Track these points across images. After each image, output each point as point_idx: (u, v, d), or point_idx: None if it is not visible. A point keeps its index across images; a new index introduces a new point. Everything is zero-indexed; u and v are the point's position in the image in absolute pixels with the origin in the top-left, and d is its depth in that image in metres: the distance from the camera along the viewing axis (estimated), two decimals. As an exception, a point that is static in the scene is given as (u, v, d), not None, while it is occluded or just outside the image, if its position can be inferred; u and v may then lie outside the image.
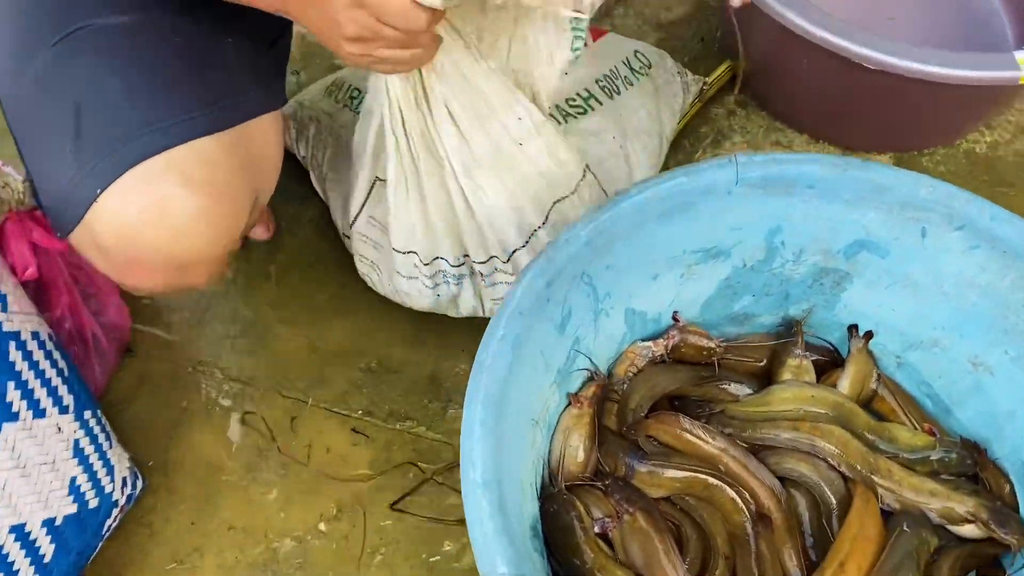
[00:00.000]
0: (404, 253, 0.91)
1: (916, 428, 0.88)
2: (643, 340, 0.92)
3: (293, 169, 1.13)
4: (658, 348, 0.91)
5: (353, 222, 0.96)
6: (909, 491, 0.84)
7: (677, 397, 0.92)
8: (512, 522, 0.67)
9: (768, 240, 0.85)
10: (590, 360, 0.87)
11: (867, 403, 0.91)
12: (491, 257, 0.91)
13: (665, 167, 1.12)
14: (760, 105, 1.16)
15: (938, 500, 0.83)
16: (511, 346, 0.71)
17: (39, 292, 0.86)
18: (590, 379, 0.88)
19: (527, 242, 0.90)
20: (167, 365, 1.01)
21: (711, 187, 0.80)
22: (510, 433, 0.72)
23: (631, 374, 0.91)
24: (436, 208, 0.86)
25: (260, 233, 1.10)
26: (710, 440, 0.85)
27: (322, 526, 0.91)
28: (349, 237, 0.98)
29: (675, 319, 0.92)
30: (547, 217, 0.90)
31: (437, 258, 0.92)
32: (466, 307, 0.98)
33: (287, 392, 0.99)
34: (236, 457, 0.95)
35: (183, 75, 0.70)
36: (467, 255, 0.92)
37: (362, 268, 0.99)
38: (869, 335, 0.90)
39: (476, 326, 1.01)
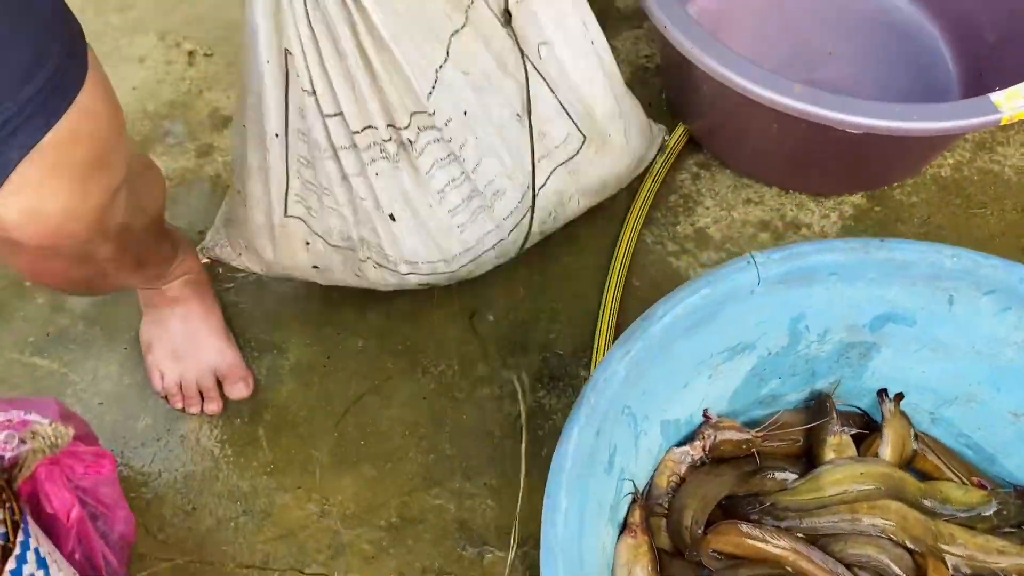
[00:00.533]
0: (332, 116, 0.81)
1: (965, 483, 0.87)
2: (678, 445, 0.88)
3: (265, 318, 1.06)
4: (696, 452, 0.88)
5: (286, 192, 0.88)
6: (977, 552, 0.82)
7: (725, 497, 0.88)
8: None
9: (792, 327, 0.83)
10: (632, 484, 0.83)
11: (908, 463, 0.89)
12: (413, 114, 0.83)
13: (642, 242, 1.09)
14: (724, 163, 1.15)
15: (1008, 558, 0.82)
16: (576, 517, 0.66)
17: (48, 529, 0.77)
18: (633, 501, 0.84)
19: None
20: (168, 565, 0.92)
21: (734, 292, 0.76)
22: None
23: (674, 484, 0.87)
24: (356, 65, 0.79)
25: (240, 391, 1.02)
26: (773, 541, 0.82)
27: None
28: (284, 226, 0.91)
29: (706, 416, 0.88)
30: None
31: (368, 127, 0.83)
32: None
33: (308, 569, 0.92)
34: (271, 657, 0.87)
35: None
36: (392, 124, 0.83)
37: (308, 259, 0.93)
38: (900, 396, 0.89)
39: (495, 453, 0.96)
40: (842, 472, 0.85)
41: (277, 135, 0.82)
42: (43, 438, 0.66)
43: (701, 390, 0.85)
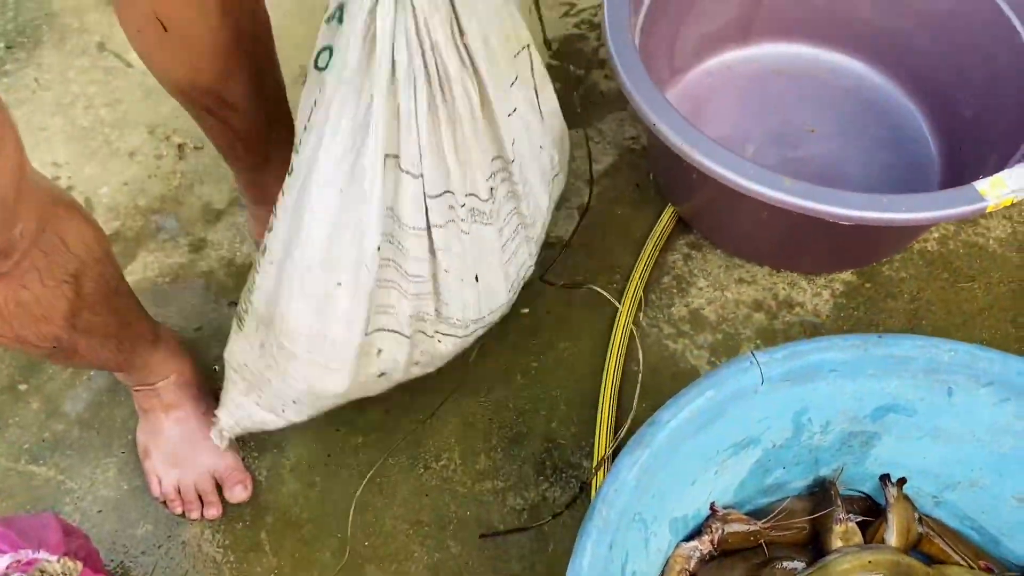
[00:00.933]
0: (436, 196, 0.78)
1: (972, 566, 0.88)
2: (686, 540, 0.88)
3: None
4: (705, 546, 0.87)
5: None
6: (989, 639, 0.82)
7: (734, 590, 0.88)
8: None
9: (795, 421, 0.83)
10: (645, 585, 0.82)
11: (915, 546, 0.90)
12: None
13: (637, 326, 1.10)
14: (714, 244, 1.16)
15: (1019, 642, 0.82)
16: (595, 636, 0.66)
17: None
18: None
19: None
20: None
21: (738, 392, 0.77)
22: None
23: (684, 581, 0.87)
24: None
25: (239, 494, 1.01)
26: (786, 636, 0.81)
27: None
28: (363, 346, 0.83)
29: (713, 510, 0.88)
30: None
31: (471, 194, 0.81)
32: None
33: None
34: None
35: None
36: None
37: (377, 368, 0.87)
38: (902, 481, 0.89)
39: (498, 552, 0.95)
40: (850, 561, 0.85)
41: (379, 247, 0.77)
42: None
43: (708, 485, 0.86)
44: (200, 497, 1.01)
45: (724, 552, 0.88)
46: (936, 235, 1.16)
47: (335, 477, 1.03)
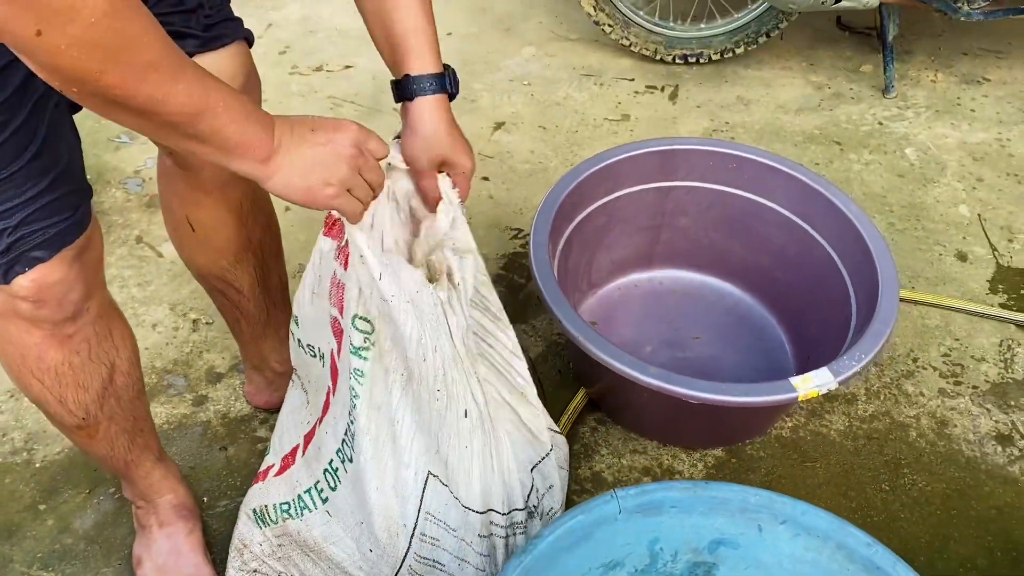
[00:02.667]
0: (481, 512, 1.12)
1: None
2: (568, 646, 1.11)
3: (238, 541, 1.28)
4: (581, 652, 1.10)
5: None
6: None
7: None
8: None
9: (650, 548, 1.09)
10: (529, 677, 1.05)
11: (752, 665, 1.13)
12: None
13: (552, 486, 1.36)
14: (616, 421, 1.46)
15: None
16: None
17: None
18: None
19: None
20: None
21: (602, 518, 1.04)
22: None
23: None
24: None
25: None
26: None
27: None
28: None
29: (590, 624, 1.12)
30: None
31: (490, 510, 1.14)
32: None
33: None
34: None
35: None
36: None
37: None
38: (740, 608, 1.14)
39: None
40: (695, 669, 1.08)
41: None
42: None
43: (584, 599, 1.10)
44: None
45: (598, 659, 1.11)
46: (790, 424, 1.46)
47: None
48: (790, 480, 1.38)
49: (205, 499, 1.36)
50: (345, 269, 1.00)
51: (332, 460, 1.11)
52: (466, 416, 1.07)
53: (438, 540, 1.12)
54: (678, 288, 1.67)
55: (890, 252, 1.36)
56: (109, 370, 1.03)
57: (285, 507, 1.18)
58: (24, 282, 0.88)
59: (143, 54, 0.66)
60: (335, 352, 1.07)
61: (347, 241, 0.98)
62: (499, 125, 2.12)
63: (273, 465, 1.19)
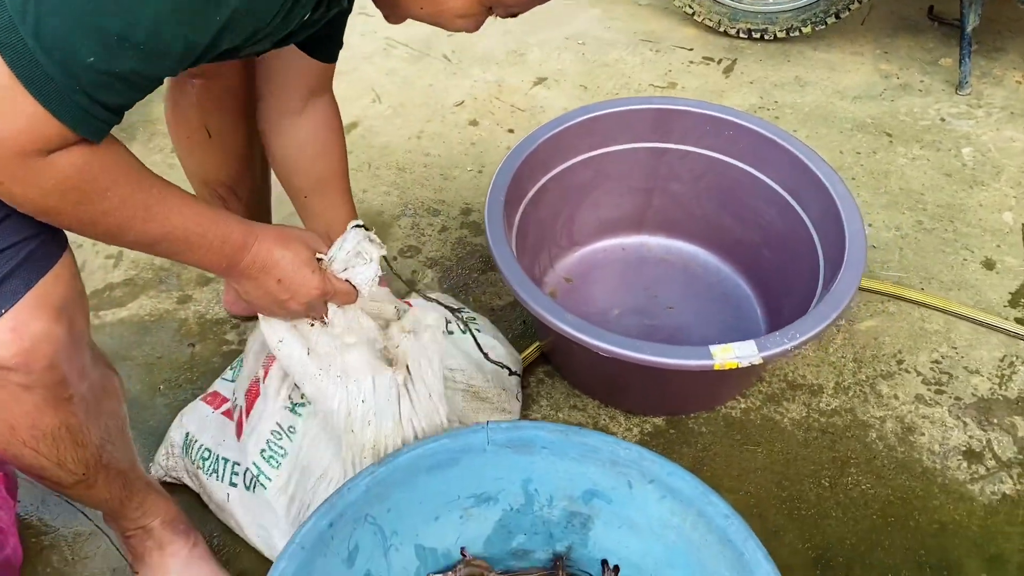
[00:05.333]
0: None
1: (653, 648, 1.07)
2: (435, 572, 1.12)
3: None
4: (447, 579, 1.11)
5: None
6: None
7: (463, 622, 1.10)
8: None
9: (524, 488, 1.08)
10: (384, 591, 1.06)
11: (621, 627, 1.10)
12: None
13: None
14: (563, 377, 1.44)
15: None
16: None
17: None
18: (384, 608, 1.07)
19: None
20: (39, 596, 1.18)
21: (468, 447, 1.04)
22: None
23: (425, 603, 1.10)
24: None
25: None
26: (479, 659, 1.03)
27: None
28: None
29: (463, 554, 1.12)
30: None
31: None
32: None
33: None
34: None
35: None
36: None
37: None
38: (616, 569, 1.11)
39: None
40: (552, 617, 1.07)
41: None
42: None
43: (454, 528, 1.10)
44: None
45: (462, 589, 1.11)
46: (743, 406, 1.40)
47: None
48: (724, 459, 1.33)
49: (161, 387, 1.44)
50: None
51: (250, 467, 1.17)
52: None
53: None
54: (666, 256, 1.62)
55: (864, 239, 1.27)
56: (105, 419, 0.97)
57: (205, 455, 1.23)
58: (3, 335, 0.79)
59: (97, 207, 0.77)
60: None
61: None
62: (540, 80, 2.11)
63: (222, 400, 1.28)
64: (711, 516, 0.97)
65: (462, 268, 1.64)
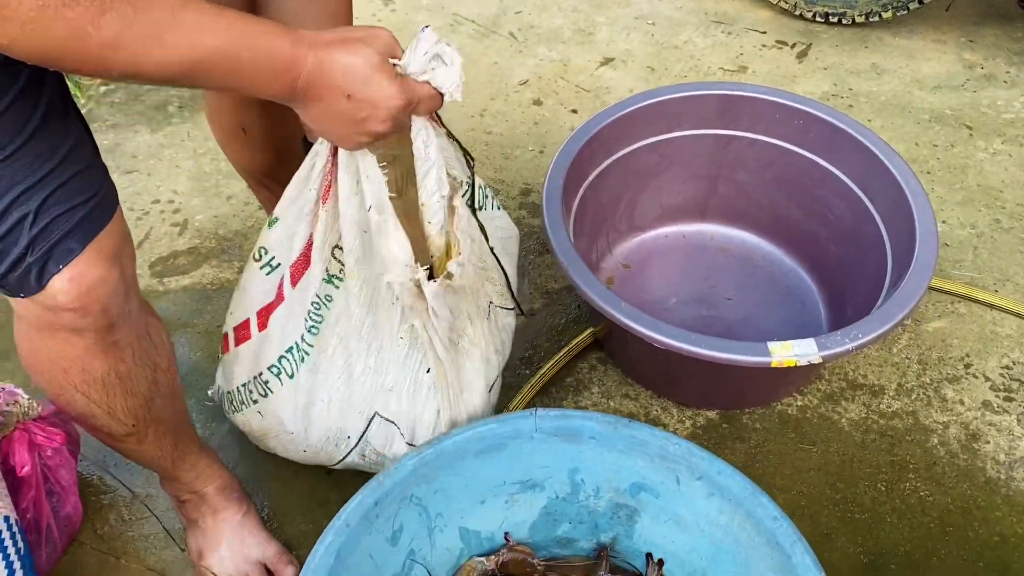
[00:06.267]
0: None
1: (694, 645, 1.06)
2: (478, 555, 1.12)
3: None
4: (490, 563, 1.11)
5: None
6: None
7: (504, 606, 1.10)
8: None
9: (571, 477, 1.08)
10: (427, 571, 1.07)
11: (661, 622, 1.09)
12: None
13: (531, 405, 1.36)
14: (616, 364, 1.42)
15: None
16: (336, 553, 0.92)
17: (13, 486, 1.09)
18: (429, 587, 1.08)
19: None
20: (98, 555, 1.22)
21: (517, 432, 1.04)
22: (334, 623, 0.92)
23: (466, 584, 1.11)
24: None
25: (291, 574, 1.17)
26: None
27: None
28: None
29: (506, 539, 1.12)
30: None
31: None
32: None
33: (191, 583, 1.19)
34: (138, 637, 1.14)
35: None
36: None
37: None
38: (661, 563, 1.10)
39: None
40: (594, 606, 1.07)
41: None
42: (20, 406, 1.00)
43: (499, 513, 1.10)
44: None
45: (505, 574, 1.11)
46: (800, 403, 1.37)
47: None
48: (777, 457, 1.30)
49: (220, 356, 1.46)
50: (324, 202, 0.97)
51: (275, 363, 1.10)
52: (428, 372, 1.07)
53: (379, 457, 1.15)
54: (727, 246, 1.59)
55: (936, 240, 1.22)
56: (153, 371, 0.98)
57: (230, 397, 1.20)
58: (61, 285, 0.80)
59: (95, 38, 0.63)
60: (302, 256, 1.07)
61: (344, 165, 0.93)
62: (607, 61, 2.08)
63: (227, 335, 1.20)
64: (760, 517, 0.95)
65: (519, 249, 1.62)
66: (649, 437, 1.02)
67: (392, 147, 1.03)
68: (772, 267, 1.55)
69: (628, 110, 1.42)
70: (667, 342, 1.13)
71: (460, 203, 1.00)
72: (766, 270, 1.55)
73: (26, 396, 1.02)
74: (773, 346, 1.13)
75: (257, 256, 1.09)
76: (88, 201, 0.80)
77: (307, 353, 1.07)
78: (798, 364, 1.11)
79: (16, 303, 0.85)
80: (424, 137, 0.91)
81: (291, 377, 1.08)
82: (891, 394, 1.37)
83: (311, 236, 1.01)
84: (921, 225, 1.24)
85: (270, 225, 1.06)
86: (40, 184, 0.75)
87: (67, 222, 0.78)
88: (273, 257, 1.07)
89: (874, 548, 1.19)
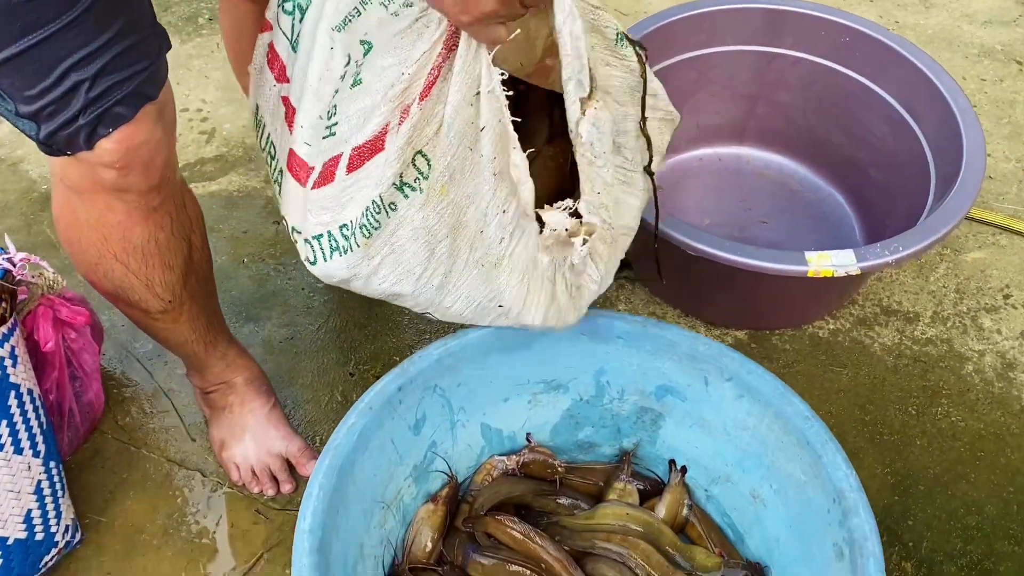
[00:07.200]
0: None
1: (713, 551, 1.05)
2: (500, 454, 1.11)
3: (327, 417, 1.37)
4: (511, 462, 1.10)
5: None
6: (697, 603, 0.99)
7: (524, 508, 1.09)
8: (334, 571, 0.85)
9: (596, 379, 1.06)
10: (447, 464, 1.06)
11: (681, 528, 1.08)
12: None
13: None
14: (644, 284, 1.40)
15: (718, 612, 0.98)
16: (358, 433, 0.91)
17: (37, 365, 1.08)
18: (448, 483, 1.07)
19: None
20: (119, 444, 1.22)
21: (544, 330, 1.02)
22: (352, 504, 0.91)
23: (487, 483, 1.10)
24: None
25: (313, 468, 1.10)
26: (537, 541, 1.02)
27: (218, 590, 1.09)
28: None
29: (528, 440, 1.11)
30: None
31: None
32: None
33: (207, 475, 1.19)
34: (156, 523, 1.14)
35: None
36: None
37: None
38: (684, 470, 1.08)
39: None
40: (613, 509, 1.05)
41: None
42: (45, 279, 0.99)
43: (522, 412, 1.09)
44: (275, 477, 1.16)
45: (525, 474, 1.10)
46: (832, 327, 1.34)
47: (288, 353, 1.33)
48: (806, 379, 1.27)
49: (245, 259, 1.46)
50: (423, 99, 0.80)
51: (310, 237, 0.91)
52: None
53: None
54: (764, 171, 1.55)
55: (984, 157, 1.18)
56: (188, 245, 0.99)
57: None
58: (109, 145, 0.81)
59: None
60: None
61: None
62: (646, -13, 2.03)
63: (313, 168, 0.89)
64: (789, 416, 0.93)
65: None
66: (678, 338, 1.00)
67: (523, 52, 0.89)
68: (809, 192, 1.51)
69: (666, 21, 1.38)
70: (702, 248, 1.10)
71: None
72: (803, 195, 1.51)
73: (51, 269, 1.01)
74: (810, 255, 1.10)
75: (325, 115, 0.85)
76: (144, 71, 0.81)
77: (349, 250, 0.89)
78: (835, 275, 1.08)
79: (59, 166, 0.86)
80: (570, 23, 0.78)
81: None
82: (926, 321, 1.34)
83: (388, 126, 0.80)
84: (969, 142, 1.20)
85: (353, 85, 0.82)
86: (101, 50, 0.77)
87: (122, 89, 0.80)
88: (337, 123, 0.83)
89: (902, 469, 1.17)
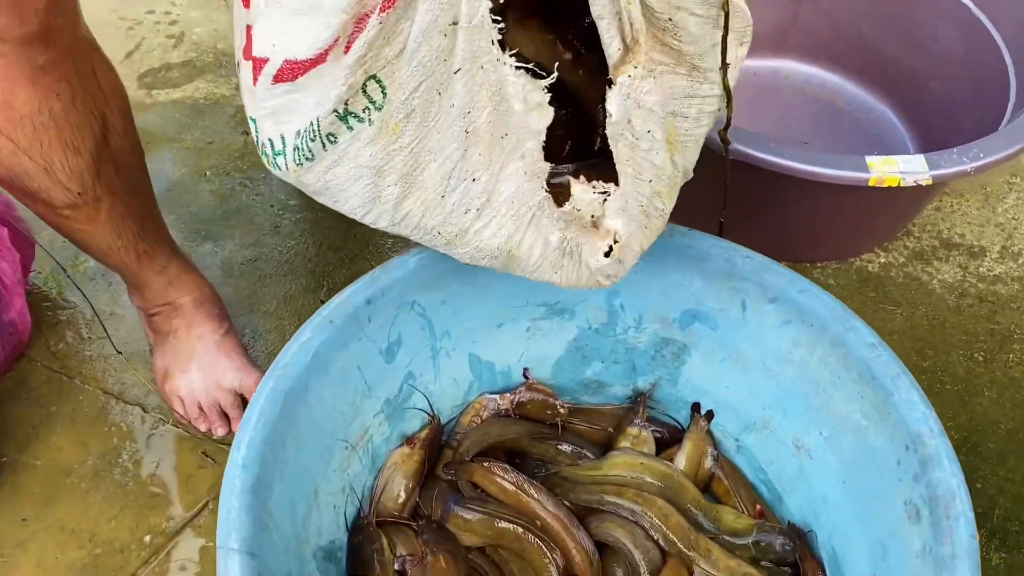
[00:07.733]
0: None
1: (744, 512, 0.87)
2: (491, 392, 0.93)
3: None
4: (504, 402, 0.92)
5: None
6: (724, 573, 0.81)
7: (519, 455, 0.92)
8: (277, 519, 0.67)
9: (608, 303, 0.88)
10: (427, 400, 0.88)
11: (706, 484, 0.90)
12: None
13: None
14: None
15: (750, 585, 0.81)
16: (312, 352, 0.73)
17: None
18: (428, 424, 0.89)
19: None
20: (49, 373, 1.05)
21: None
22: (305, 439, 0.73)
23: (474, 424, 0.92)
24: None
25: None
26: (532, 494, 0.84)
27: (147, 538, 0.92)
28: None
29: (525, 376, 0.93)
30: None
31: None
32: None
33: (148, 410, 1.02)
34: (86, 464, 0.97)
35: None
36: None
37: None
38: (710, 415, 0.90)
39: None
40: (624, 459, 0.87)
41: None
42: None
43: (520, 342, 0.90)
44: (225, 414, 1.00)
45: (520, 416, 0.92)
46: (883, 260, 1.15)
47: (251, 275, 1.15)
48: (854, 317, 1.09)
49: (208, 172, 1.28)
50: (384, 10, 0.58)
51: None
52: None
53: None
54: (806, 87, 1.35)
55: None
56: (101, 125, 0.80)
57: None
58: None
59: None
60: None
61: None
62: None
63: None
64: (851, 345, 0.75)
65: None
66: (711, 248, 0.81)
67: None
68: (859, 112, 1.32)
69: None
70: (737, 148, 0.91)
71: None
72: (850, 114, 1.32)
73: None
74: (872, 160, 0.91)
75: None
76: None
77: (280, 169, 0.68)
78: (902, 183, 0.90)
79: None
80: None
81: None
82: (994, 256, 1.15)
83: (337, 40, 0.59)
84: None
85: None
86: None
87: None
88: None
89: (968, 424, 0.99)
